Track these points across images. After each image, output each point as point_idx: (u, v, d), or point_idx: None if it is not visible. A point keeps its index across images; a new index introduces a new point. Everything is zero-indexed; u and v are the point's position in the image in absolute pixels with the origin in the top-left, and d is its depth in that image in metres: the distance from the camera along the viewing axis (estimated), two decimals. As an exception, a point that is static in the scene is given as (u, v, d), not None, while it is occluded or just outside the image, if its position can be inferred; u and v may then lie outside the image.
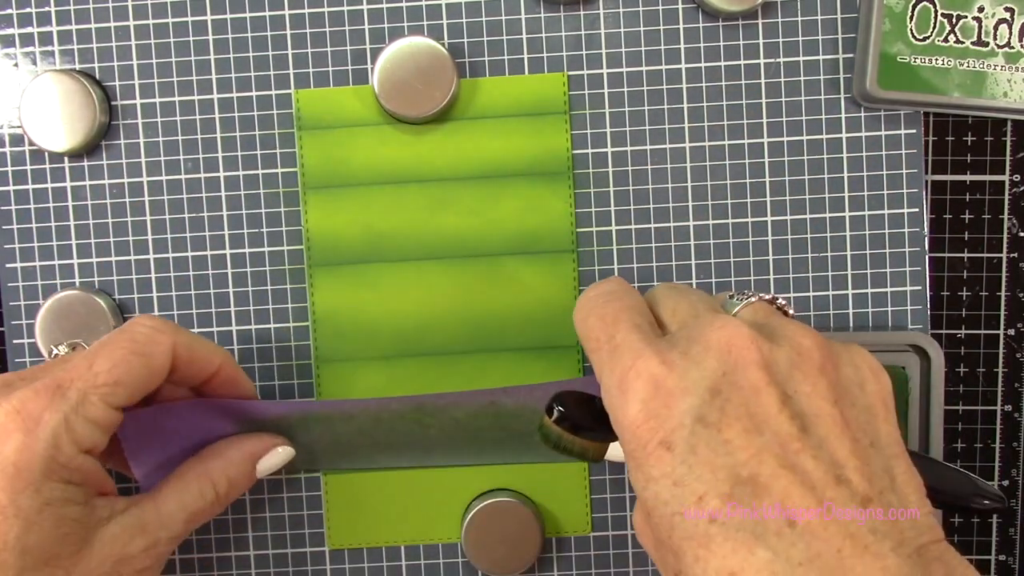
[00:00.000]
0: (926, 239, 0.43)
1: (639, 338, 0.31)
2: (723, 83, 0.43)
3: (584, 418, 0.34)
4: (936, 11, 0.41)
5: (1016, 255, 0.44)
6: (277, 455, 0.40)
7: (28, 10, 0.43)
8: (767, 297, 0.34)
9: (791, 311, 0.34)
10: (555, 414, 0.34)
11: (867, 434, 0.30)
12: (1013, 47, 0.41)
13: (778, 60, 0.43)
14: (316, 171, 0.43)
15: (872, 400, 0.31)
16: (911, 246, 0.43)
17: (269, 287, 0.43)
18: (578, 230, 0.43)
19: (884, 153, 0.43)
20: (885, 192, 0.43)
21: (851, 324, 0.43)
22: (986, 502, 0.36)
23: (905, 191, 0.43)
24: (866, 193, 0.43)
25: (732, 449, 0.28)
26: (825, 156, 0.43)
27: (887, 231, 0.43)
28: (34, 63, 0.43)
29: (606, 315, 0.32)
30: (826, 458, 0.28)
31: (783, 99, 0.43)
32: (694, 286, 0.43)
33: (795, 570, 0.27)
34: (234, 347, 0.43)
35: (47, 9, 0.43)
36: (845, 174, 0.43)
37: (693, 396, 0.29)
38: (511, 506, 0.42)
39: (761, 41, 0.43)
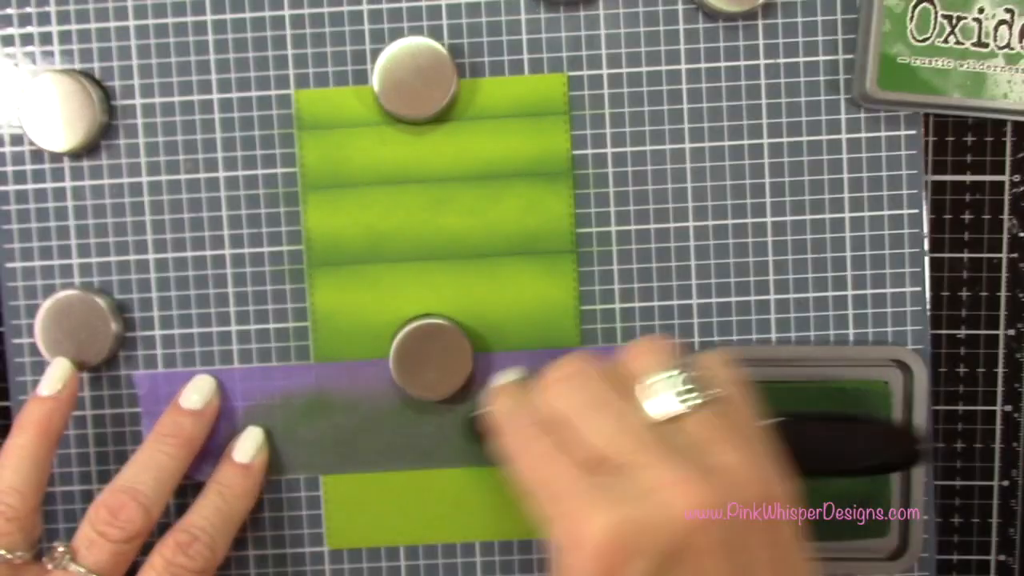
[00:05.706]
0: (926, 240, 0.43)
1: (582, 488, 0.31)
2: (723, 84, 0.43)
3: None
4: (936, 12, 0.41)
5: (1016, 255, 0.44)
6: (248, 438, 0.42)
7: (28, 10, 0.43)
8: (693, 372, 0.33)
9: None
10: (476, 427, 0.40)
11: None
12: (1013, 48, 0.41)
13: (778, 61, 0.43)
14: (316, 171, 0.43)
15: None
16: (911, 247, 0.43)
17: (269, 287, 0.43)
18: (578, 231, 0.43)
19: (884, 154, 0.43)
20: (885, 193, 0.43)
21: (851, 325, 0.43)
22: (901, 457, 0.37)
23: (905, 192, 0.43)
24: (866, 194, 0.43)
25: None
26: (825, 157, 0.43)
27: (887, 232, 0.43)
28: (34, 63, 0.43)
29: (539, 454, 0.33)
30: None
31: (783, 100, 0.43)
32: (694, 287, 0.43)
33: None
34: (234, 347, 0.43)
35: (47, 9, 0.43)
36: (845, 175, 0.43)
37: (646, 560, 0.29)
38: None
39: (761, 42, 0.43)
